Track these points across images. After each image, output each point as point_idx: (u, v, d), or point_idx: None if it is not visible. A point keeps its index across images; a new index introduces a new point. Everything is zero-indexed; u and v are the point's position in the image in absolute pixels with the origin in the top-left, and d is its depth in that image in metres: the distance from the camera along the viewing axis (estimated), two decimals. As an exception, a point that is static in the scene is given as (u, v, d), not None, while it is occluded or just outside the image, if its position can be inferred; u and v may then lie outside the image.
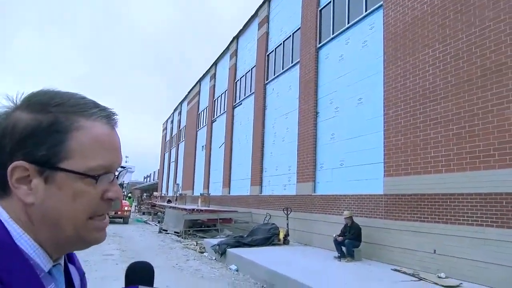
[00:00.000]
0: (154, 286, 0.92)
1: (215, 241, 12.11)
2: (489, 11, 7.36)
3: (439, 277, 7.40)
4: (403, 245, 8.79)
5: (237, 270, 9.40)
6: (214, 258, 11.13)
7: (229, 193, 21.74)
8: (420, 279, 7.44)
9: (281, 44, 17.21)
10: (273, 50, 18.02)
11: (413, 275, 7.72)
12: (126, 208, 23.71)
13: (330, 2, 13.44)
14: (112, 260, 10.33)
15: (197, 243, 13.83)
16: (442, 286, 6.87)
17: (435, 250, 7.97)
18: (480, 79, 7.40)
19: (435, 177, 8.15)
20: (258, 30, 19.96)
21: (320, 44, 13.74)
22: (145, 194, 54.31)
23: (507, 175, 6.74)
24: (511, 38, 6.91)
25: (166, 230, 18.09)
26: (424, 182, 8.43)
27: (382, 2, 10.60)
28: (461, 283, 7.00)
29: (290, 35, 16.37)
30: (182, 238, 15.70)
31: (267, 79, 18.17)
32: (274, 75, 17.55)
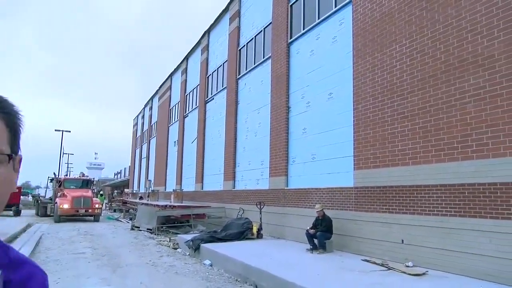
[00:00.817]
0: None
1: (188, 236, 12.09)
2: (452, 9, 7.64)
3: (407, 266, 7.69)
4: (373, 236, 9.06)
5: (211, 265, 9.43)
6: (188, 253, 11.12)
7: (202, 189, 21.68)
8: (389, 268, 7.70)
9: (252, 39, 17.23)
10: (244, 45, 18.01)
11: (382, 265, 7.98)
12: (97, 206, 23.35)
13: (301, -3, 13.56)
14: (84, 258, 10.16)
15: (170, 239, 13.76)
16: (409, 274, 7.14)
17: (403, 240, 8.26)
18: (444, 74, 7.69)
19: (403, 170, 8.43)
20: (229, 24, 19.88)
21: (292, 39, 13.85)
22: (116, 191, 53.40)
23: (468, 166, 7.05)
24: (472, 35, 7.21)
25: (139, 227, 17.88)
26: (392, 175, 8.70)
27: (351, -2, 10.79)
28: (427, 271, 7.29)
29: (262, 30, 16.41)
30: (155, 234, 15.58)
31: (239, 74, 18.16)
32: (246, 69, 17.56)
